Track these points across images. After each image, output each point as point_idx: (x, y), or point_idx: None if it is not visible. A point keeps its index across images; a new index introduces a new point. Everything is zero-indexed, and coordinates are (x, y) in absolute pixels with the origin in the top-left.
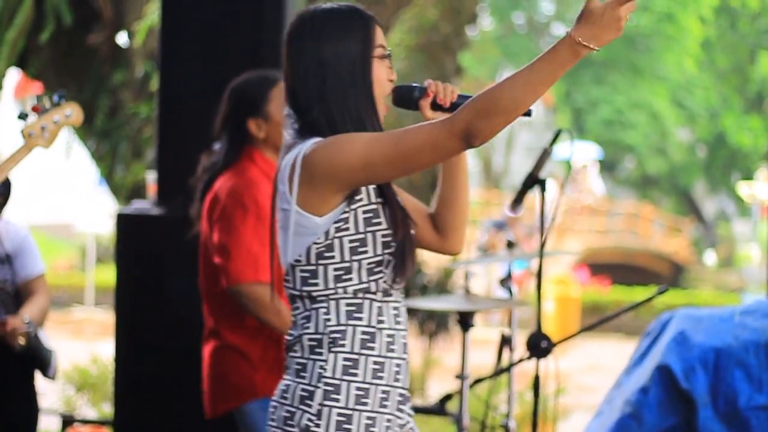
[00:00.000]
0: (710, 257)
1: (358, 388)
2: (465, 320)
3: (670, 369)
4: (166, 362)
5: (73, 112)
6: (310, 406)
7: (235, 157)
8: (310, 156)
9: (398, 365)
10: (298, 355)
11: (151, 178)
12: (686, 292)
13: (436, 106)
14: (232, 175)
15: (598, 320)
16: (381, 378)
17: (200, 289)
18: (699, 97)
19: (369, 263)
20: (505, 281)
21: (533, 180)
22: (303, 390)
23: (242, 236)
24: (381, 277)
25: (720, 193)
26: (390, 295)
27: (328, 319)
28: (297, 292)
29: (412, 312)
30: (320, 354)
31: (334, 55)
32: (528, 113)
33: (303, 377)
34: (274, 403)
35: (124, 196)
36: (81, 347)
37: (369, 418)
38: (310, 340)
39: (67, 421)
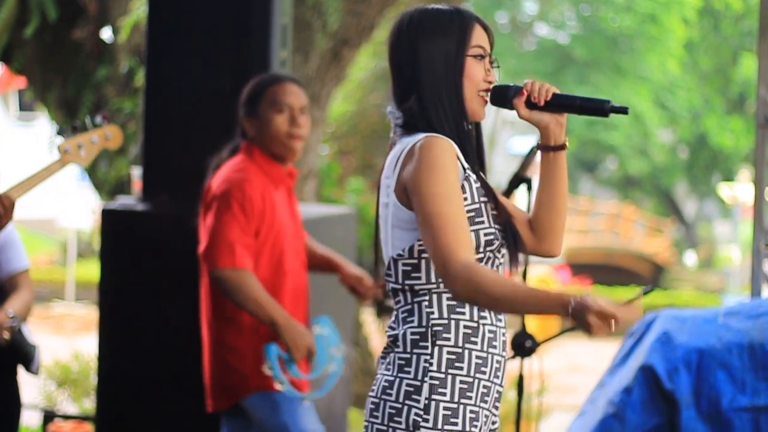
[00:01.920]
0: (691, 258)
1: (462, 382)
2: None
3: (654, 369)
4: (149, 358)
5: (112, 135)
6: (417, 401)
7: (234, 152)
8: (415, 154)
9: (498, 362)
10: (400, 350)
11: (135, 173)
12: (667, 292)
13: (531, 105)
14: (227, 167)
15: None
16: (484, 373)
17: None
18: (681, 98)
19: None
20: None
21: (519, 179)
22: (408, 385)
23: (224, 224)
24: None
25: (701, 194)
26: None
27: (431, 313)
28: (399, 286)
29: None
30: (425, 348)
31: (428, 52)
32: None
33: (408, 372)
34: (374, 400)
35: (107, 191)
36: (61, 342)
37: (472, 411)
38: (413, 333)
39: (48, 416)
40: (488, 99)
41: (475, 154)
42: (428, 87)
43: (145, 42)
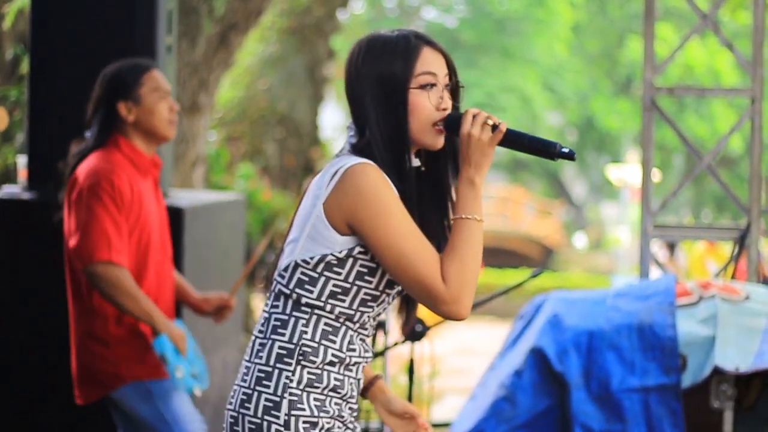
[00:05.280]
0: (580, 240)
1: (316, 399)
2: None
3: (544, 352)
4: (32, 350)
5: None
6: (277, 417)
7: (101, 141)
8: (348, 181)
9: (351, 384)
10: (262, 362)
11: (21, 162)
12: (557, 274)
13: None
14: (94, 158)
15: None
16: (338, 393)
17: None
18: (569, 81)
19: (366, 294)
20: None
21: None
22: (267, 400)
23: (96, 217)
24: (368, 312)
25: (590, 176)
26: (365, 329)
27: (305, 332)
28: (287, 291)
29: None
30: (289, 365)
31: (375, 78)
32: (571, 156)
33: (267, 386)
34: (233, 414)
35: None
36: None
37: (329, 425)
38: (281, 348)
39: None
40: (443, 128)
41: (414, 190)
42: (372, 119)
43: (29, 29)
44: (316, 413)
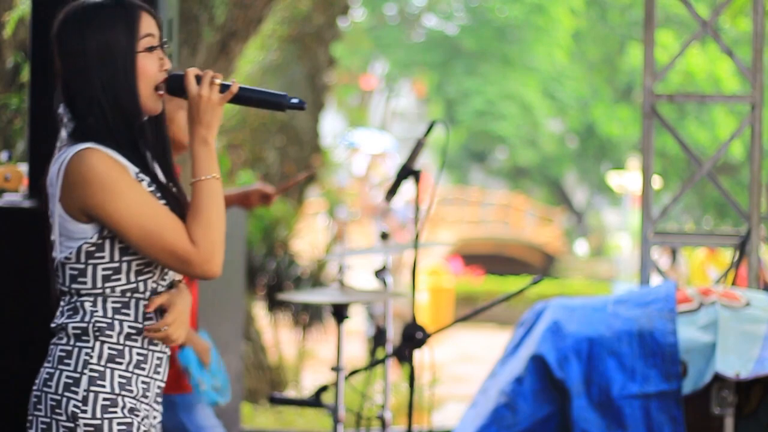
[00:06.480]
0: (581, 247)
1: (121, 376)
2: (339, 312)
3: (544, 359)
4: (38, 359)
5: (12, 176)
6: (76, 392)
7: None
8: (72, 172)
9: (159, 358)
10: (63, 342)
11: (22, 170)
12: (558, 281)
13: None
14: None
15: (472, 311)
16: (143, 369)
17: None
18: (569, 88)
19: (138, 264)
20: (380, 272)
21: (407, 171)
22: (68, 377)
23: None
24: (150, 277)
25: (591, 183)
26: (158, 293)
27: (96, 311)
28: (66, 288)
29: (285, 304)
30: (87, 341)
31: (98, 49)
32: (300, 106)
33: (68, 364)
34: (36, 393)
35: None
36: None
37: (132, 404)
38: (75, 328)
39: None
40: (164, 90)
41: (149, 154)
42: (101, 88)
43: (29, 37)
44: (117, 390)
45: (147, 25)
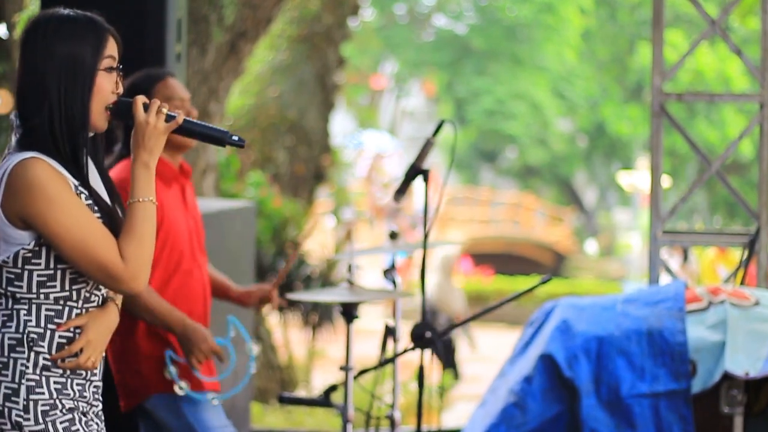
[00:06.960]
0: (591, 246)
1: (56, 382)
2: (349, 311)
3: (553, 358)
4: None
5: (2, 100)
6: (17, 402)
7: (126, 154)
8: (15, 179)
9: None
10: None
11: None
12: (568, 281)
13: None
14: (115, 170)
15: (482, 310)
16: (79, 375)
17: None
18: (579, 88)
19: (72, 273)
20: (389, 272)
21: (416, 171)
22: (7, 388)
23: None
24: (83, 287)
25: (601, 182)
26: (91, 302)
27: (29, 321)
28: (2, 291)
29: (295, 304)
30: (22, 353)
31: (63, 57)
32: (239, 144)
33: (6, 375)
34: None
35: None
36: None
37: (71, 405)
38: (11, 339)
39: None
40: (112, 112)
41: (87, 169)
42: (58, 96)
43: None
44: (55, 395)
45: (111, 47)
